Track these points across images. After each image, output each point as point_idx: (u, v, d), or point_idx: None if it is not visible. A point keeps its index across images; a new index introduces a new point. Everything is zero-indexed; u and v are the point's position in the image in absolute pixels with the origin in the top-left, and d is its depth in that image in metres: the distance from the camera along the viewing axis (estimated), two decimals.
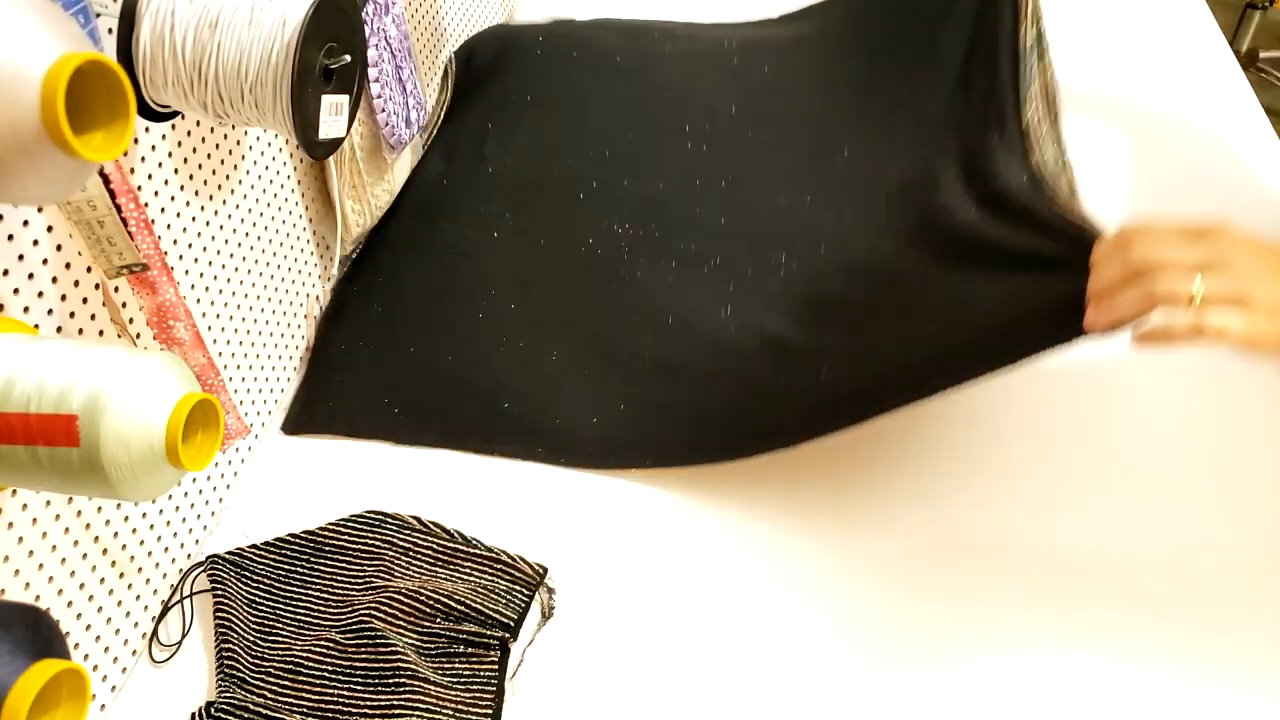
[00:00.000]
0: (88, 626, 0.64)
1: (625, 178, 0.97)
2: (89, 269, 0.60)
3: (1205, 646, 0.69)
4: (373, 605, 0.70)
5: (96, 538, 0.64)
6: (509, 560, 0.73)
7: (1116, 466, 0.80)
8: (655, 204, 0.96)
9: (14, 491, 0.56)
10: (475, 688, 0.67)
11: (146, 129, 0.65)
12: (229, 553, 0.75)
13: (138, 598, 0.69)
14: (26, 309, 0.56)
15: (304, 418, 0.83)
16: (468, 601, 0.70)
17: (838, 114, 1.02)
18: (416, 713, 0.65)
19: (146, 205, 0.66)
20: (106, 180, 0.58)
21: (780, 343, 0.84)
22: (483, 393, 0.82)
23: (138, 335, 0.65)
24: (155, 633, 0.71)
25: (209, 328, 0.75)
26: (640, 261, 0.91)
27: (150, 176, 0.66)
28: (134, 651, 0.70)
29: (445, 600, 0.70)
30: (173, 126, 0.67)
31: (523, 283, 0.89)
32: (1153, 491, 0.78)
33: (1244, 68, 1.31)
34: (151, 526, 0.70)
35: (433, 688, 0.66)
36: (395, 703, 0.65)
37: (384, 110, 0.88)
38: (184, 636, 0.71)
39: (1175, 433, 0.82)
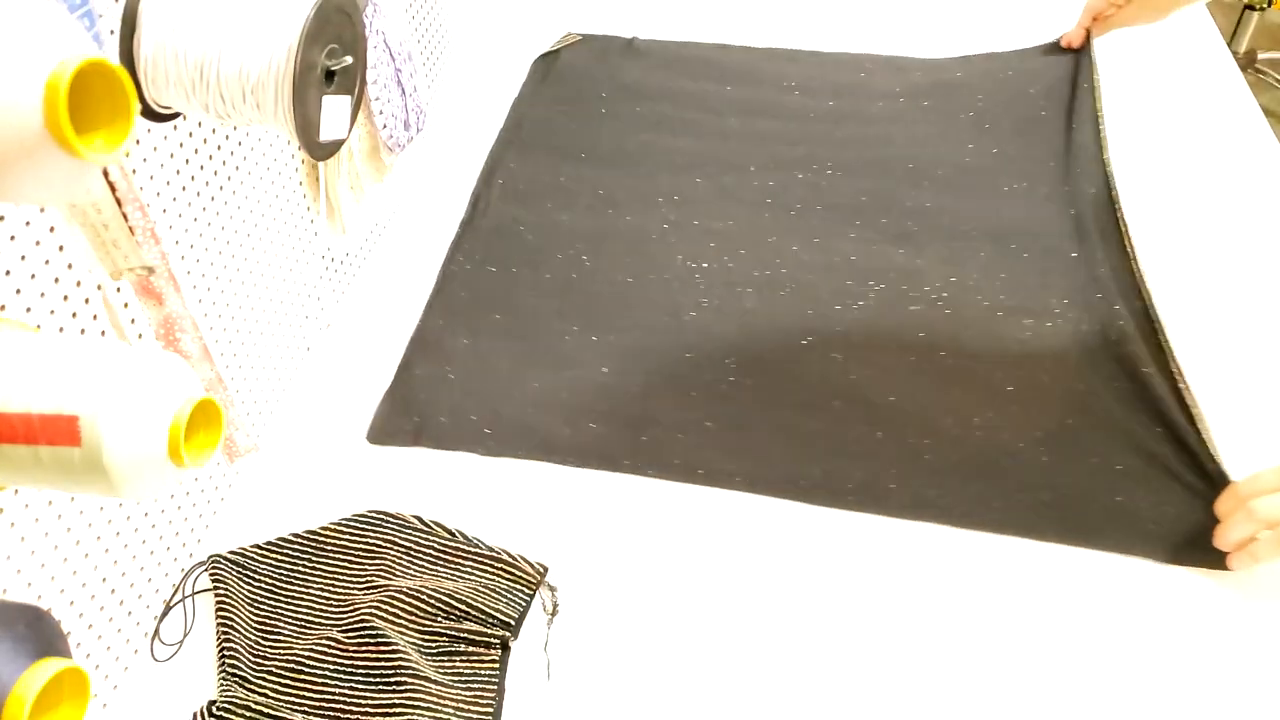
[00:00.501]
0: (90, 625, 0.65)
1: (696, 218, 1.03)
2: (90, 270, 0.60)
3: None
4: (374, 604, 0.70)
5: (98, 536, 0.64)
6: (510, 559, 0.74)
7: None
8: (727, 239, 1.01)
9: (16, 491, 0.56)
10: (476, 686, 0.68)
11: (148, 130, 0.65)
12: (231, 552, 0.75)
13: (139, 596, 0.70)
14: (29, 309, 0.56)
15: (389, 430, 0.85)
16: (469, 600, 0.70)
17: (910, 160, 1.09)
18: (418, 711, 0.65)
19: (148, 206, 0.66)
20: (112, 185, 0.58)
21: (854, 384, 0.87)
22: (572, 413, 0.85)
23: (139, 336, 0.65)
24: (157, 631, 0.71)
25: (210, 327, 0.75)
26: (716, 290, 0.96)
27: (152, 178, 0.66)
28: (136, 650, 0.70)
29: (446, 599, 0.70)
30: (174, 128, 0.68)
31: (604, 318, 0.93)
32: None
33: (1242, 69, 1.31)
34: (153, 525, 0.70)
35: (434, 686, 0.66)
36: (397, 701, 0.66)
37: (381, 113, 0.88)
38: (186, 635, 0.72)
39: None
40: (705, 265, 0.98)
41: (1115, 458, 0.79)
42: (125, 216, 0.58)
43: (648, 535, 0.77)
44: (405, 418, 0.86)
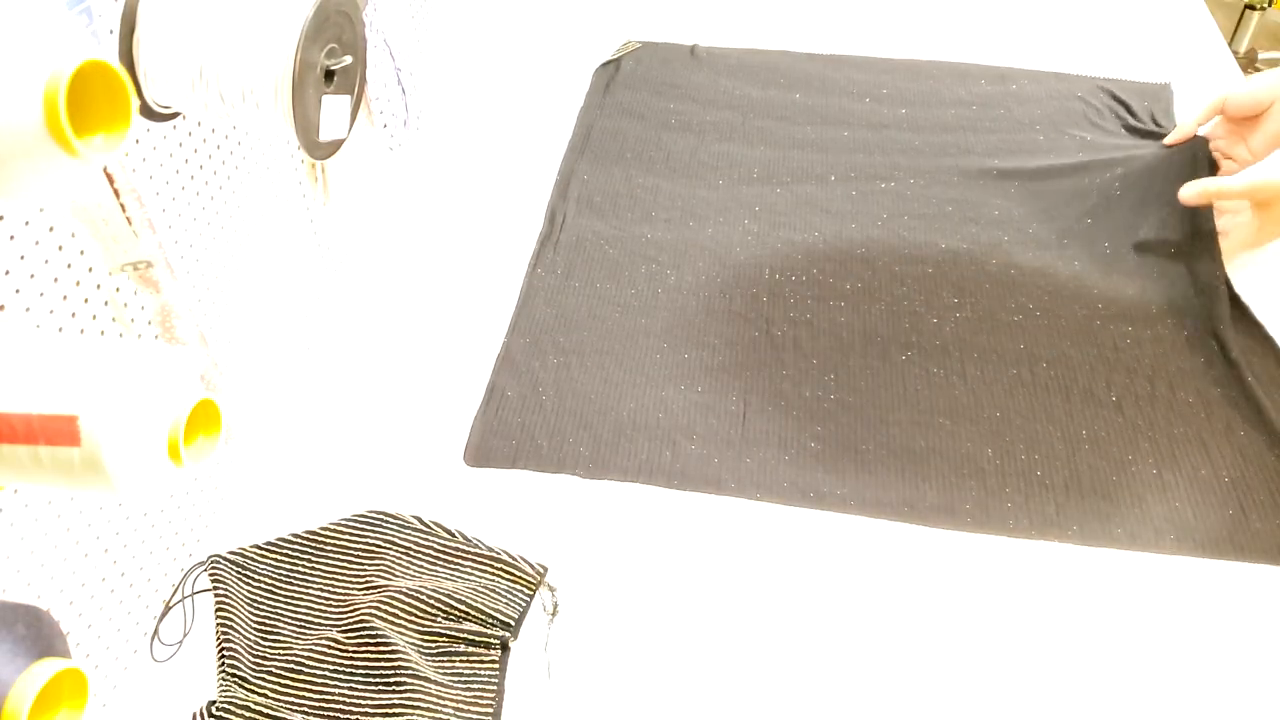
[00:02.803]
0: (89, 625, 0.65)
1: (779, 229, 1.02)
2: (90, 269, 0.60)
3: None
4: (374, 604, 0.70)
5: (98, 536, 0.64)
6: (509, 560, 0.74)
7: None
8: (814, 251, 0.99)
9: (16, 490, 0.56)
10: (476, 687, 0.68)
11: (148, 129, 0.65)
12: (230, 552, 0.75)
13: (139, 596, 0.70)
14: (29, 309, 0.56)
15: (486, 452, 0.83)
16: (468, 601, 0.70)
17: (991, 169, 1.08)
18: (418, 711, 0.65)
19: (146, 199, 0.66)
20: (110, 179, 0.58)
21: (958, 399, 0.85)
22: (668, 435, 0.84)
23: (139, 336, 0.65)
24: (157, 631, 0.71)
25: (212, 324, 0.75)
26: (808, 304, 0.94)
27: (151, 177, 0.66)
28: (135, 650, 0.70)
29: (446, 600, 0.70)
30: (174, 127, 0.68)
31: (695, 334, 0.92)
32: None
33: (1243, 69, 1.31)
34: (153, 525, 0.70)
35: (434, 687, 0.66)
36: (396, 702, 0.65)
37: (382, 113, 0.88)
38: (185, 635, 0.72)
39: None
40: (794, 278, 0.96)
41: (1224, 468, 0.79)
42: (124, 208, 0.58)
43: (650, 539, 0.77)
44: (503, 440, 0.84)
